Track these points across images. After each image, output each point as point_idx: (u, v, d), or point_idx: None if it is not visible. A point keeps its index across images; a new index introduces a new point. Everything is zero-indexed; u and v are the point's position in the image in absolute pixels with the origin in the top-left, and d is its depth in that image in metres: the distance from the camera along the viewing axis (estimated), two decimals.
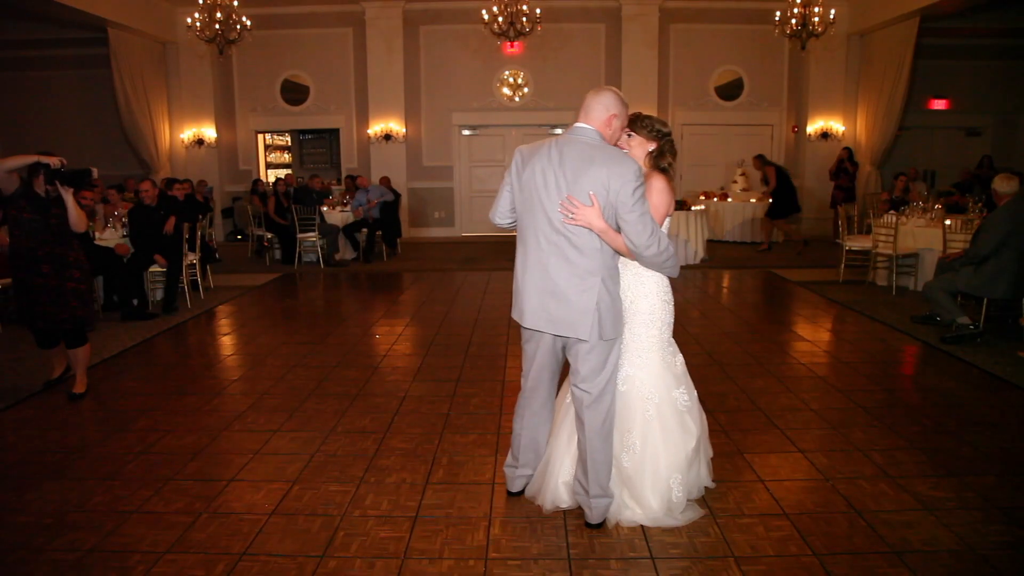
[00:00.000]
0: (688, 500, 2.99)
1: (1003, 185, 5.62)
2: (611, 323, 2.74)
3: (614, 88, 2.82)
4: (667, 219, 2.89)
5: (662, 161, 2.89)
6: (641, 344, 2.91)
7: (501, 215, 2.94)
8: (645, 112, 2.97)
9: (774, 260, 10.19)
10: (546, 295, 2.73)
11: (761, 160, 11.24)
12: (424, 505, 3.13)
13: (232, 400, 4.56)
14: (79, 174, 4.46)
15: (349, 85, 13.12)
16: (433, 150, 13.26)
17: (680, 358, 3.04)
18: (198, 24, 9.71)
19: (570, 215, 2.63)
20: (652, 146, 2.89)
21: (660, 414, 2.89)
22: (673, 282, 3.00)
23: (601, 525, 2.89)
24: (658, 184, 2.81)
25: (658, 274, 2.90)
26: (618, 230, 2.66)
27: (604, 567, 2.64)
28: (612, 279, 2.76)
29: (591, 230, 2.64)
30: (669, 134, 2.92)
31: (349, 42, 12.97)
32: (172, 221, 7.11)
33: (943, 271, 6.24)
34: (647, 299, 2.90)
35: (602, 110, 2.72)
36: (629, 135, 2.89)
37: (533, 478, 3.14)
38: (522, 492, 3.17)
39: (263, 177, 13.92)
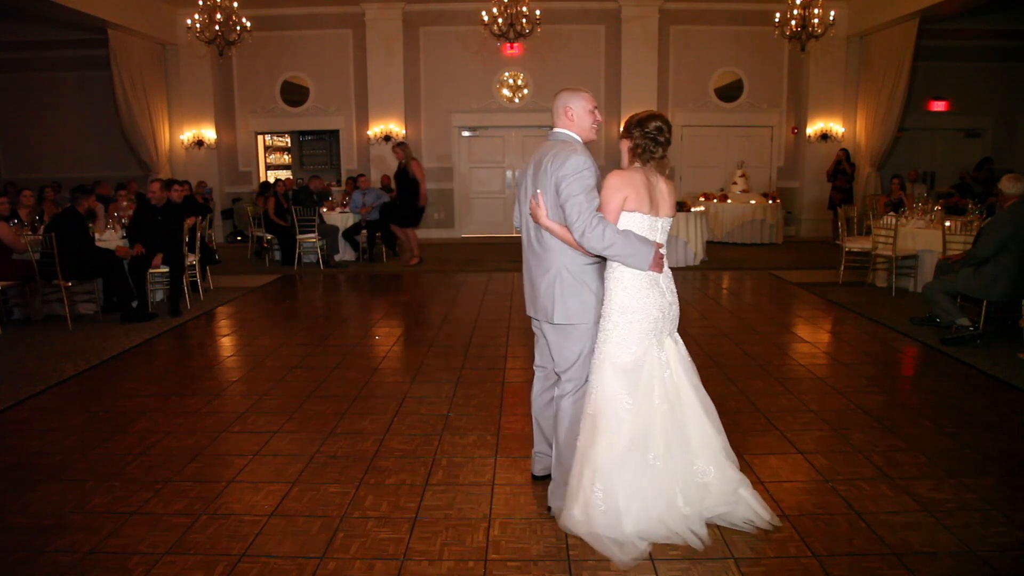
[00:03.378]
0: (647, 541, 2.72)
1: (1009, 186, 5.56)
2: (565, 310, 2.92)
3: (567, 87, 3.06)
4: (636, 215, 2.80)
5: (643, 155, 2.86)
6: (600, 336, 2.89)
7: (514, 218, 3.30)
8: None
9: (771, 261, 10.19)
10: (527, 282, 3.10)
11: (404, 150, 9.76)
12: (424, 506, 3.13)
13: (232, 401, 4.55)
14: None
15: (349, 86, 13.13)
16: (433, 151, 13.27)
17: (627, 357, 2.81)
18: (198, 25, 9.72)
19: (529, 210, 2.97)
20: (630, 143, 2.89)
21: (596, 406, 2.80)
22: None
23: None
24: (608, 181, 2.82)
25: (618, 273, 2.83)
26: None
27: (604, 568, 2.64)
28: (571, 271, 2.92)
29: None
30: (642, 125, 2.85)
31: (349, 43, 12.98)
32: (192, 220, 7.22)
33: (943, 272, 6.24)
34: (607, 295, 2.88)
35: (558, 110, 3.00)
36: (621, 138, 2.98)
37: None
38: (545, 477, 3.26)
39: (263, 178, 13.92)
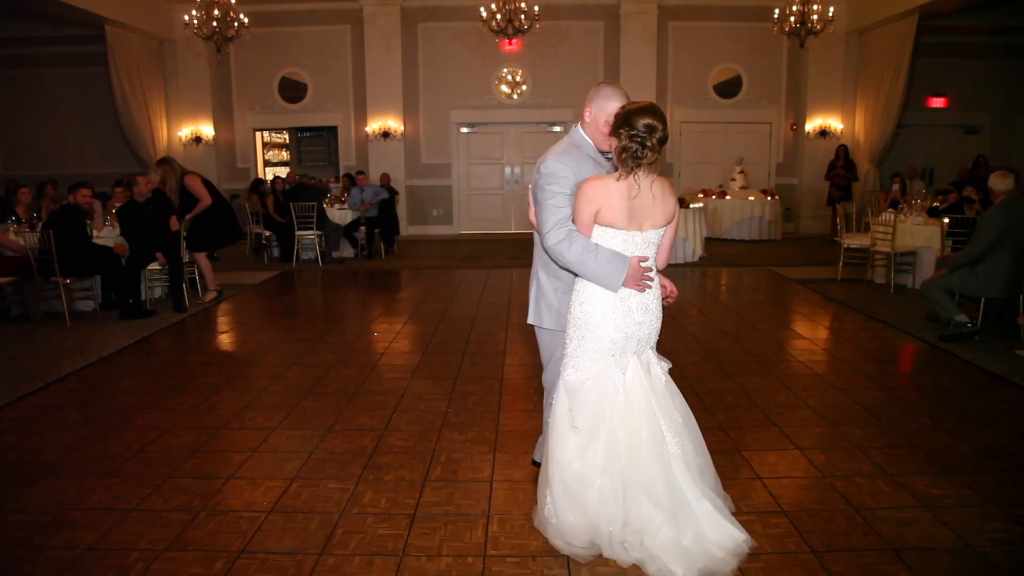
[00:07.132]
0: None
1: (999, 183, 5.58)
2: (544, 314, 2.89)
3: (609, 81, 2.89)
4: (610, 230, 2.51)
5: (627, 161, 2.45)
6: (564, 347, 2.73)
7: None
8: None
9: (770, 257, 10.19)
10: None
11: (170, 164, 7.30)
12: (422, 503, 3.13)
13: (230, 398, 4.55)
14: None
15: (347, 83, 13.10)
16: (431, 148, 13.26)
17: (575, 376, 2.62)
18: (196, 21, 9.70)
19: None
20: (615, 141, 2.51)
21: (552, 417, 2.69)
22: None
23: None
24: (581, 189, 2.52)
25: (581, 285, 2.62)
26: None
27: (603, 564, 2.64)
28: (547, 274, 2.85)
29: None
30: (629, 124, 2.43)
31: (347, 39, 12.95)
32: (174, 219, 7.07)
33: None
34: (571, 305, 2.68)
35: (585, 104, 2.77)
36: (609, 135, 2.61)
37: None
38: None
39: (261, 175, 13.91)
